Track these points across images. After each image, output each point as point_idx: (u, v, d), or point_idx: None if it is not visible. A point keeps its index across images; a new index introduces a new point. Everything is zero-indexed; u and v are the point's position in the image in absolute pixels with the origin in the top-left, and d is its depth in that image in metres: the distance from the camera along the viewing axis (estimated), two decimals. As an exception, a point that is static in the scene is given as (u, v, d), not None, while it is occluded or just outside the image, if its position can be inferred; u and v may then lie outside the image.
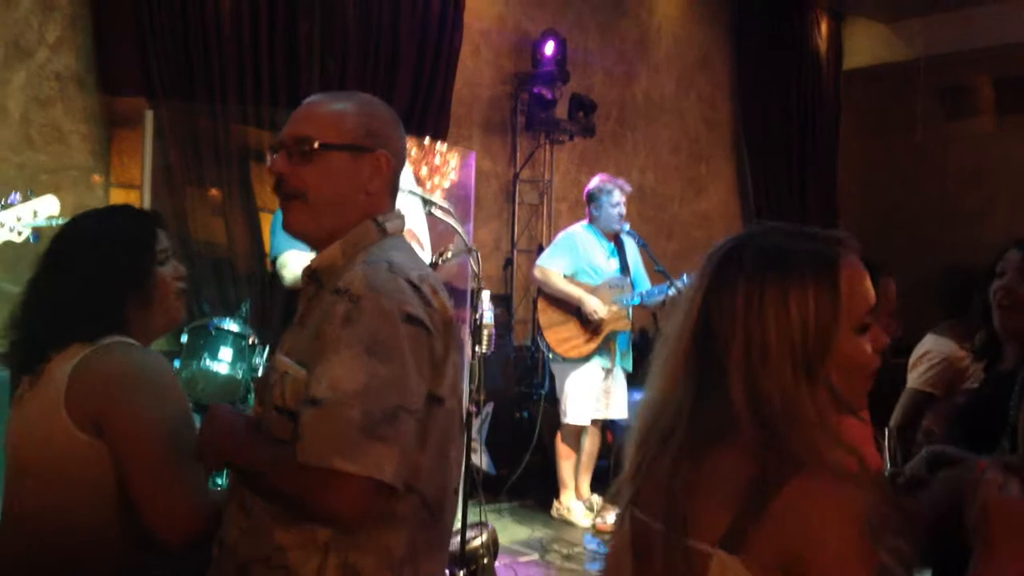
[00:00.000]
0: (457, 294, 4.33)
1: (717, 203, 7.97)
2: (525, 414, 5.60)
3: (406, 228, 1.68)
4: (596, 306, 4.91)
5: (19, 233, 2.63)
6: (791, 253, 1.22)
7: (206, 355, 3.71)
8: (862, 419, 1.39)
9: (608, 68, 6.97)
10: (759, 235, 1.27)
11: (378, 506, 1.37)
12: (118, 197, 4.55)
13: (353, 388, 1.34)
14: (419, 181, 4.93)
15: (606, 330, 4.97)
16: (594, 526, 4.90)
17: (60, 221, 2.63)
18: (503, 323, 5.93)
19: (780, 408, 1.16)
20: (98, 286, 1.77)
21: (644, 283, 5.14)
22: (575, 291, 4.96)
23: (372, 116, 1.60)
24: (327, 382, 1.36)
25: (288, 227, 1.59)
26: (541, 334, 5.08)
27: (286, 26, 4.89)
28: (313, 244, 1.59)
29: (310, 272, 1.57)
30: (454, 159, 5.37)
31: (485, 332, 3.66)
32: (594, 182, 5.14)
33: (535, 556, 4.44)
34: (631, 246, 5.17)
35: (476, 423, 4.08)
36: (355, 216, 1.56)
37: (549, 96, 6.12)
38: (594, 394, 5.00)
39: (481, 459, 4.97)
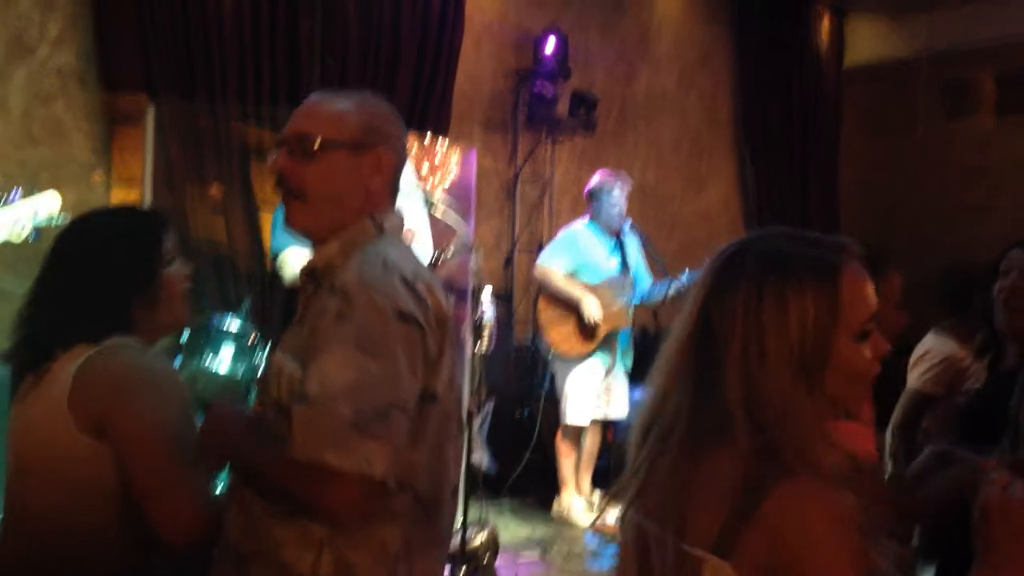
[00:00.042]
0: (458, 292, 4.32)
1: (718, 201, 7.96)
2: (526, 412, 5.59)
3: (406, 227, 1.69)
4: (594, 312, 4.89)
5: (20, 230, 2.62)
6: (792, 257, 1.23)
7: (207, 353, 3.71)
8: (861, 423, 1.40)
9: (609, 65, 6.96)
10: (762, 239, 1.28)
11: (371, 503, 1.38)
12: (119, 194, 4.54)
13: (344, 385, 1.35)
14: (420, 178, 4.93)
15: (606, 328, 4.97)
16: (594, 524, 4.90)
17: (61, 219, 2.63)
18: (504, 321, 5.93)
19: (775, 412, 1.17)
20: (105, 286, 1.77)
21: (645, 280, 5.14)
22: (575, 291, 4.95)
23: (373, 114, 1.62)
24: (319, 379, 1.37)
25: (289, 224, 1.61)
26: (541, 332, 5.07)
27: (287, 23, 4.88)
28: (313, 241, 1.60)
29: (308, 270, 1.58)
30: (455, 156, 5.36)
31: (486, 330, 3.66)
32: (595, 179, 5.14)
33: (536, 554, 4.45)
34: (632, 243, 5.16)
35: (476, 421, 4.09)
36: (355, 214, 1.57)
37: (550, 93, 6.11)
38: (594, 392, 5.00)
39: (482, 457, 4.98)
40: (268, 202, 4.85)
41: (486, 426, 5.17)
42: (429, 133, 5.35)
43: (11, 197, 2.64)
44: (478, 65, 6.17)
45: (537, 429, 5.30)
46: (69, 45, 4.39)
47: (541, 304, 5.08)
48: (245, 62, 4.73)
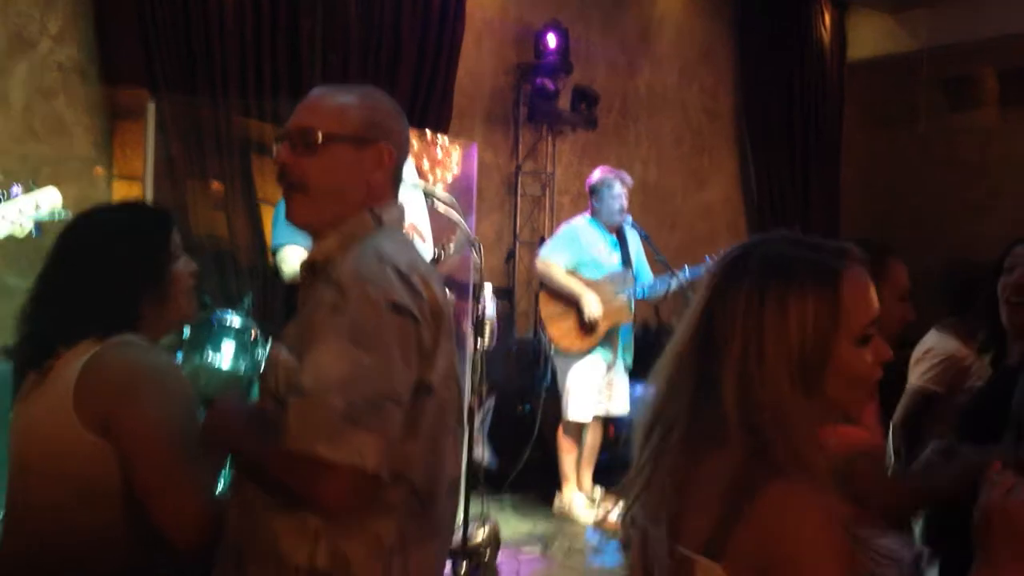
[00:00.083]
0: (459, 287, 4.32)
1: (720, 195, 7.95)
2: (527, 407, 5.59)
3: (408, 221, 1.68)
4: (593, 308, 4.89)
5: (21, 226, 2.61)
6: (794, 261, 1.23)
7: (208, 348, 3.70)
8: (864, 426, 1.40)
9: (611, 60, 6.95)
10: (765, 243, 1.28)
11: (365, 495, 1.39)
12: (120, 189, 4.54)
13: (337, 377, 1.36)
14: (421, 174, 4.92)
15: (608, 323, 4.97)
16: (596, 520, 4.90)
17: (63, 214, 2.62)
18: (505, 316, 5.93)
19: (770, 414, 1.18)
20: (114, 282, 1.76)
21: (646, 276, 5.14)
22: (576, 287, 4.95)
23: (375, 108, 1.63)
24: (313, 371, 1.38)
25: (290, 217, 1.61)
26: (543, 327, 5.07)
27: (288, 18, 4.87)
28: (314, 234, 1.61)
29: (308, 263, 1.59)
30: (456, 151, 5.36)
31: (487, 325, 3.66)
32: (595, 175, 5.13)
33: (537, 550, 4.45)
34: (634, 239, 5.16)
35: (478, 416, 4.08)
36: (356, 208, 1.58)
37: (552, 88, 6.10)
38: (596, 388, 5.00)
39: (483, 452, 4.98)
40: (270, 197, 4.85)
41: (487, 422, 5.17)
42: (430, 128, 5.35)
43: (12, 192, 2.63)
44: (479, 61, 6.16)
45: (538, 425, 5.29)
46: (70, 40, 4.39)
47: (542, 300, 5.08)
48: (246, 57, 4.72)
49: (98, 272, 1.76)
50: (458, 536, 3.41)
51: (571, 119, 6.32)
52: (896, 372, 3.29)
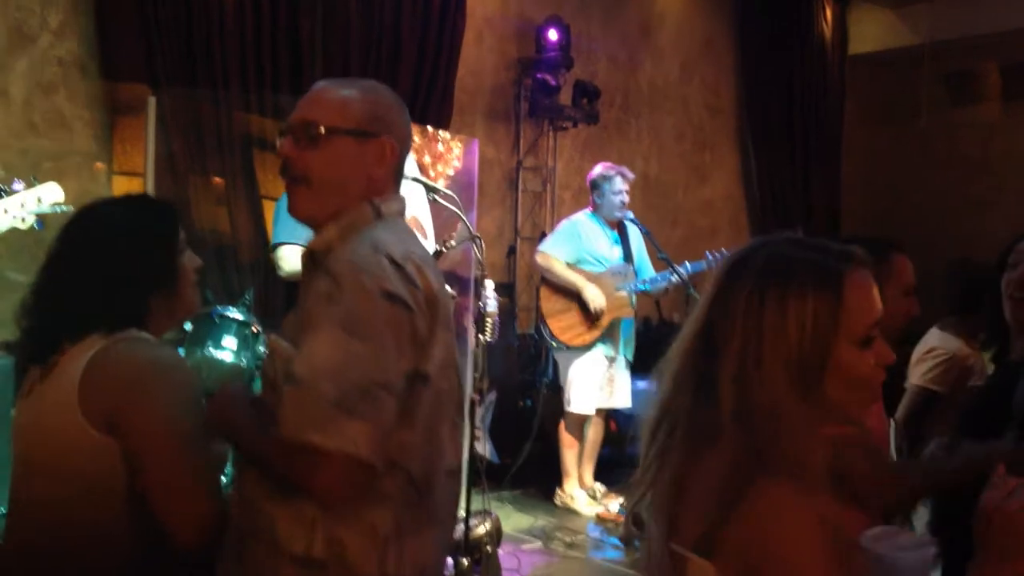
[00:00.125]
0: (461, 282, 4.32)
1: (721, 190, 7.95)
2: (528, 402, 5.60)
3: (409, 216, 1.69)
4: (595, 296, 4.90)
5: (23, 220, 2.61)
6: (795, 262, 1.24)
7: (210, 343, 3.70)
8: (863, 428, 1.41)
9: (612, 54, 6.94)
10: (769, 244, 1.29)
11: (358, 483, 1.40)
12: (121, 185, 4.54)
13: (329, 365, 1.37)
14: (422, 169, 4.92)
15: (609, 317, 4.97)
16: (597, 514, 4.91)
17: (64, 208, 2.61)
18: (506, 311, 5.93)
19: (764, 414, 1.18)
20: (125, 277, 1.75)
21: (648, 271, 5.14)
22: (576, 279, 4.95)
23: (377, 102, 1.63)
24: (306, 360, 1.39)
25: (293, 210, 1.62)
26: (544, 322, 5.07)
27: (289, 12, 4.87)
28: (316, 227, 1.61)
29: (308, 253, 1.59)
30: (457, 147, 5.35)
31: (488, 320, 3.66)
32: (596, 170, 5.13)
33: (538, 544, 4.45)
34: (635, 234, 5.16)
35: (479, 411, 4.08)
36: (358, 200, 1.58)
37: (553, 83, 6.09)
38: (598, 383, 5.00)
39: (484, 447, 4.98)
40: (271, 192, 4.85)
41: (489, 416, 5.17)
42: (431, 124, 5.35)
43: (13, 187, 2.64)
44: (480, 56, 6.15)
45: (538, 420, 5.30)
46: (70, 34, 4.38)
47: (543, 294, 5.08)
48: (247, 52, 4.71)
49: (106, 266, 1.74)
50: (459, 530, 3.41)
51: (572, 114, 6.31)
52: (899, 368, 3.30)
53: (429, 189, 3.56)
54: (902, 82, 8.34)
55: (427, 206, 3.89)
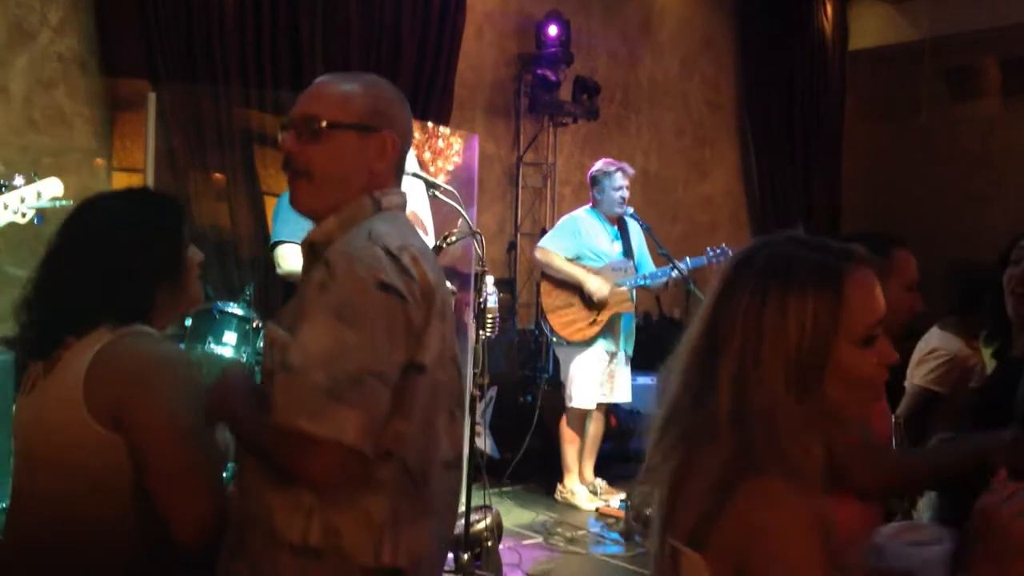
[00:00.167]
0: (461, 278, 4.32)
1: (721, 186, 7.95)
2: (529, 398, 5.60)
3: (408, 211, 1.69)
4: (598, 285, 4.90)
5: (23, 215, 2.61)
6: (796, 262, 1.24)
7: (210, 339, 3.71)
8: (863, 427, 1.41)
9: (612, 50, 6.94)
10: (771, 244, 1.29)
11: (350, 469, 1.40)
12: (121, 181, 4.54)
13: (320, 352, 1.38)
14: (422, 165, 4.91)
15: (609, 312, 4.97)
16: (597, 510, 4.91)
17: (64, 203, 2.61)
18: (507, 307, 5.93)
19: (760, 413, 1.19)
20: (131, 270, 1.73)
21: (648, 266, 5.14)
22: (577, 272, 4.95)
23: (379, 97, 1.64)
24: (299, 347, 1.41)
25: (295, 204, 1.63)
26: (544, 318, 5.07)
27: (289, 7, 4.86)
28: (317, 220, 1.62)
29: (308, 243, 1.60)
30: (457, 143, 5.35)
31: (489, 316, 3.66)
32: (597, 166, 5.13)
33: (539, 539, 4.46)
34: (635, 229, 5.16)
35: (480, 407, 4.09)
36: (359, 194, 1.59)
37: (553, 78, 6.08)
38: (598, 378, 5.00)
39: (485, 443, 4.98)
40: (272, 188, 4.85)
41: (489, 412, 5.18)
42: (431, 119, 5.34)
43: (14, 182, 2.63)
44: (480, 51, 6.15)
45: (537, 415, 5.30)
46: (70, 31, 4.38)
47: (544, 289, 5.08)
48: (247, 47, 4.71)
49: (111, 259, 1.73)
50: (460, 525, 3.41)
51: (572, 110, 6.31)
52: (902, 366, 3.30)
53: (429, 185, 3.56)
54: (902, 77, 8.33)
55: (427, 202, 3.89)
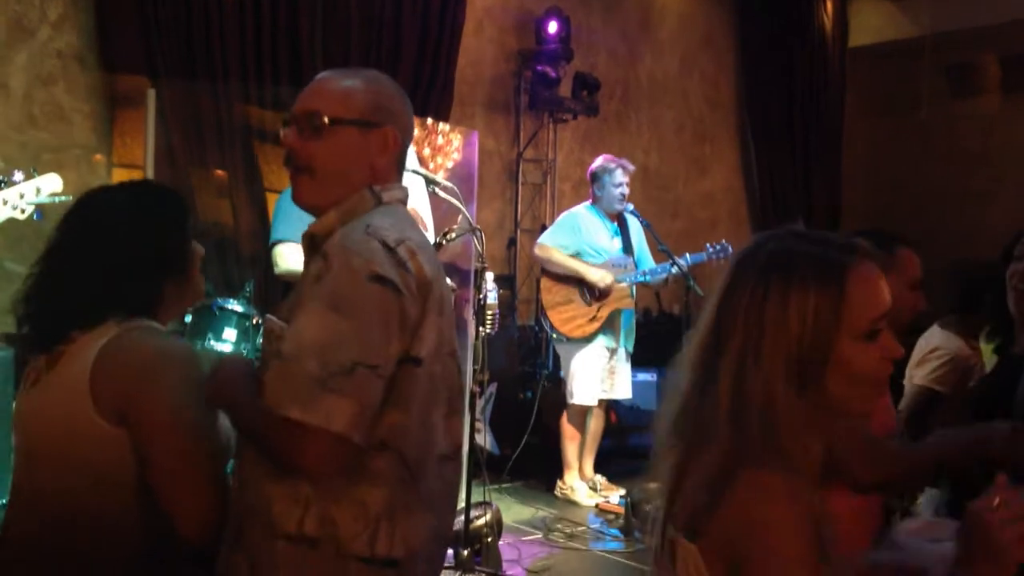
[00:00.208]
0: (461, 274, 4.32)
1: (721, 184, 7.95)
2: (528, 394, 5.60)
3: (408, 207, 1.69)
4: (600, 275, 4.90)
5: (22, 211, 2.61)
6: (798, 256, 1.24)
7: (210, 335, 3.71)
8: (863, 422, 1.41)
9: (612, 47, 6.93)
10: (774, 239, 1.29)
11: (340, 458, 1.41)
12: (120, 178, 4.53)
13: (314, 341, 1.39)
14: (422, 161, 4.92)
15: (609, 308, 4.97)
16: (597, 506, 4.92)
17: (64, 199, 2.60)
18: (507, 303, 5.94)
19: (759, 406, 1.19)
20: (139, 264, 1.73)
21: (648, 263, 5.14)
22: (578, 265, 4.95)
23: (380, 92, 1.65)
24: (292, 336, 1.42)
25: (297, 199, 1.63)
26: (544, 314, 5.08)
27: (288, 3, 4.86)
28: (319, 215, 1.63)
29: (309, 236, 1.61)
30: (457, 139, 5.35)
31: (489, 312, 3.66)
32: (597, 162, 5.13)
33: (538, 535, 4.46)
34: (635, 226, 5.16)
35: (480, 403, 4.09)
36: (360, 189, 1.60)
37: (553, 75, 6.08)
38: (599, 375, 5.01)
39: (485, 439, 4.99)
40: (273, 185, 4.85)
41: (489, 408, 5.18)
42: (431, 116, 5.34)
43: (13, 178, 2.63)
44: (480, 47, 6.15)
45: (535, 410, 5.30)
46: (69, 27, 4.38)
47: (544, 286, 5.08)
48: (246, 43, 4.71)
49: (119, 252, 1.72)
50: (460, 521, 3.41)
51: (572, 106, 6.31)
52: (901, 364, 3.30)
53: (429, 181, 3.56)
54: (902, 74, 8.33)
55: (427, 198, 3.88)
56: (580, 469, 5.15)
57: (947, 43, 7.80)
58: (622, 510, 4.56)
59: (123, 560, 1.66)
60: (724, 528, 1.16)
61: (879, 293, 1.24)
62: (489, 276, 3.71)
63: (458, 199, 3.50)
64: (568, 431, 5.10)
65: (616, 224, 5.11)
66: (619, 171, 5.01)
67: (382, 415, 1.45)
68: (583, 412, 5.08)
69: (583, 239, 5.01)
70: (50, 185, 2.66)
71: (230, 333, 3.75)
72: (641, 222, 5.10)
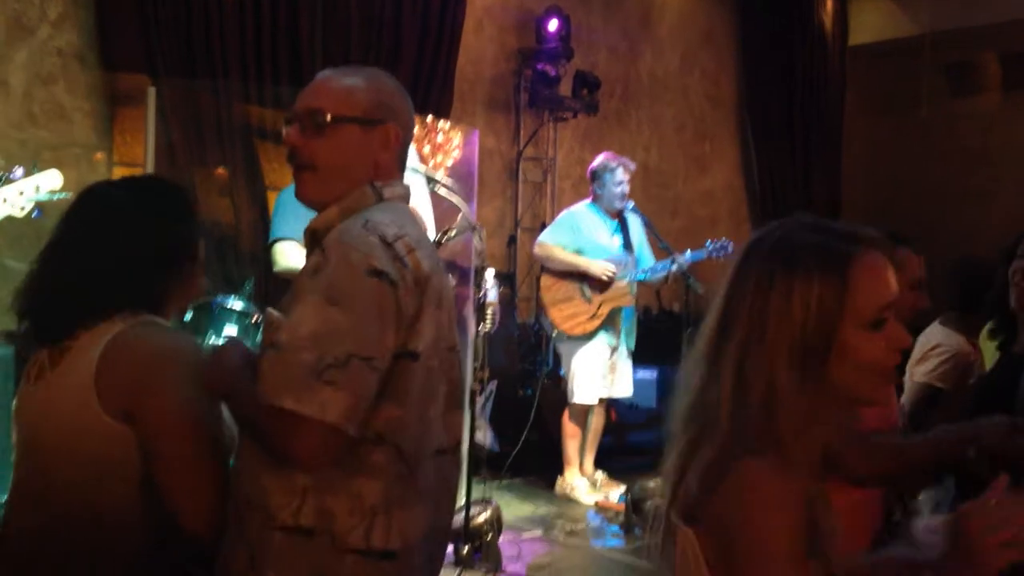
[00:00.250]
0: (461, 272, 4.32)
1: (721, 182, 7.95)
2: (528, 391, 5.61)
3: (409, 205, 1.70)
4: (604, 266, 4.89)
5: (22, 208, 2.61)
6: (803, 246, 1.24)
7: (210, 333, 3.71)
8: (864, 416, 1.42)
9: (612, 45, 6.93)
10: (780, 229, 1.29)
11: (333, 449, 1.42)
12: (120, 175, 4.53)
13: (309, 333, 1.40)
14: (422, 159, 4.91)
15: (610, 306, 4.97)
16: (597, 503, 4.92)
17: (63, 196, 2.60)
18: (507, 301, 5.93)
19: (761, 395, 1.20)
20: (148, 260, 1.73)
21: (648, 260, 5.13)
22: (579, 259, 4.95)
23: (381, 90, 1.66)
24: (288, 327, 1.43)
25: (300, 196, 1.65)
26: (545, 312, 5.08)
27: (288, 2, 4.86)
28: (321, 211, 1.64)
29: (310, 231, 1.62)
30: (457, 137, 5.35)
31: (489, 310, 3.66)
32: (597, 160, 5.13)
33: (539, 532, 4.47)
34: (635, 224, 5.16)
35: (479, 400, 4.09)
36: (362, 185, 1.61)
37: (553, 73, 6.08)
38: (600, 372, 5.01)
39: (485, 436, 4.99)
40: (273, 183, 4.85)
41: (489, 406, 5.18)
42: (431, 114, 5.34)
43: (13, 175, 2.63)
44: (480, 46, 6.15)
45: (535, 407, 5.30)
46: (70, 25, 4.38)
47: (544, 283, 5.08)
48: (246, 42, 4.71)
49: (125, 247, 1.72)
50: (460, 518, 3.42)
51: (572, 105, 6.31)
52: (903, 360, 3.29)
53: (429, 179, 3.56)
54: (902, 73, 8.33)
55: (427, 197, 3.88)
56: (581, 466, 5.15)
57: (947, 42, 7.80)
58: (622, 507, 4.56)
59: (127, 556, 1.65)
60: (719, 514, 1.18)
61: (885, 282, 1.24)
62: (489, 273, 3.71)
63: (458, 197, 3.50)
64: (569, 429, 5.10)
65: (616, 222, 5.11)
66: (620, 169, 5.01)
67: (379, 409, 1.46)
68: (584, 411, 5.08)
69: (583, 237, 5.01)
70: (49, 182, 2.66)
71: (230, 331, 3.74)
72: (642, 219, 5.10)
